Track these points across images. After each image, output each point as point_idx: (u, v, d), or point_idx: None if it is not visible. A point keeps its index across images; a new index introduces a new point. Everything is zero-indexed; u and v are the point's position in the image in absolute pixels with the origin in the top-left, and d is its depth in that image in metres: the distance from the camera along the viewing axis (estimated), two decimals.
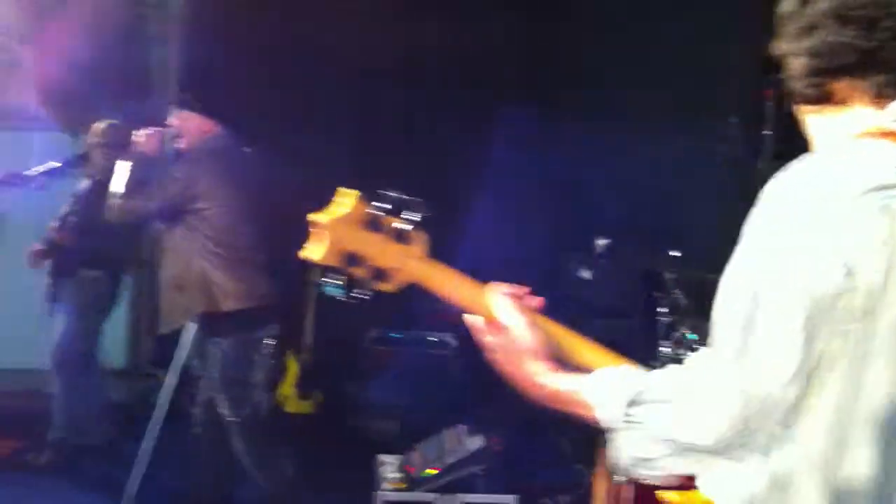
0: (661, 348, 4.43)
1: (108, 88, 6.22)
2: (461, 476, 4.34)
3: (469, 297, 1.68)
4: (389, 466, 4.55)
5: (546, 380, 1.61)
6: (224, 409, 4.12)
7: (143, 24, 6.53)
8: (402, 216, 1.64)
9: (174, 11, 6.63)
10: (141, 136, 4.30)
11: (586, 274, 5.57)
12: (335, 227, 1.59)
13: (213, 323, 4.11)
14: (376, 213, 1.62)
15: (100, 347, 5.60)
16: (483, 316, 1.68)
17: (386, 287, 1.66)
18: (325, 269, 1.62)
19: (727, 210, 5.75)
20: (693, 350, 4.25)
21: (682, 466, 1.48)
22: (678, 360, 4.19)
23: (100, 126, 5.47)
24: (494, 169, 6.11)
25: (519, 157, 6.12)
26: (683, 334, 4.40)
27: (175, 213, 4.13)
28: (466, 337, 5.49)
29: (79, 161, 5.91)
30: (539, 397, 1.63)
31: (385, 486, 4.40)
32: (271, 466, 4.23)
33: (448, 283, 1.68)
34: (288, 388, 5.62)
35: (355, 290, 1.63)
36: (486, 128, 6.21)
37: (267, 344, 4.21)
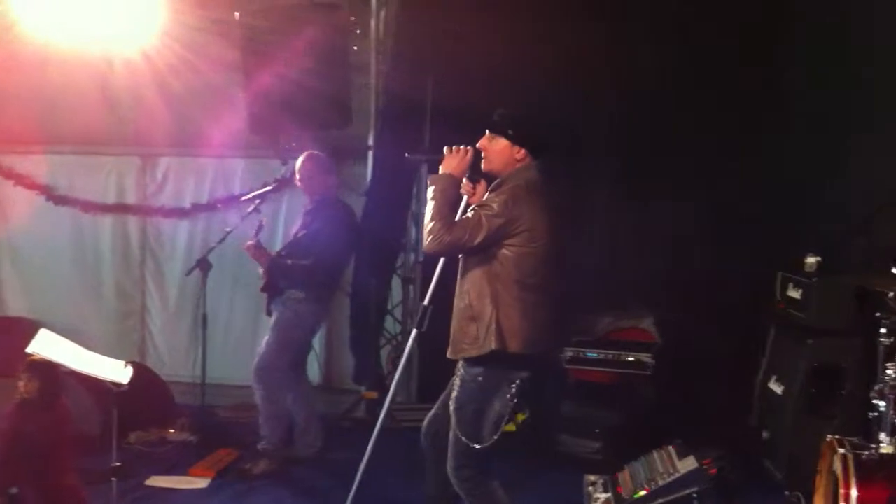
0: (884, 369, 4.20)
1: (313, 117, 6.50)
2: (675, 498, 4.25)
3: None
4: (597, 486, 4.51)
5: None
6: (452, 435, 3.98)
7: (349, 52, 6.74)
8: None
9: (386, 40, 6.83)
10: (448, 154, 4.04)
11: (796, 293, 5.37)
12: None
13: (485, 358, 3.91)
14: None
15: (305, 363, 5.83)
16: None
17: None
18: None
19: None
20: None
21: None
22: None
23: (307, 155, 5.71)
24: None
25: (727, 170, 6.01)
26: None
27: (489, 247, 3.88)
28: (663, 357, 5.39)
29: (287, 186, 6.19)
30: None
31: None
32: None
33: None
34: None
35: None
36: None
37: (519, 385, 3.96)
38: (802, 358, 5.11)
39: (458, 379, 4.01)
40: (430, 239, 3.88)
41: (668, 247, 6.17)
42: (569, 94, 5.92)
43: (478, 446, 3.93)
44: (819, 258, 5.35)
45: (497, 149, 4.02)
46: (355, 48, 6.80)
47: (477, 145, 4.05)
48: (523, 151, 4.00)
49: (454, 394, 4.00)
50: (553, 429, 5.63)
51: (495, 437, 3.96)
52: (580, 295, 5.91)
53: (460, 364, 4.00)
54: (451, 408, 3.98)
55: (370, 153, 6.88)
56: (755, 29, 6.08)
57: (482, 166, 4.06)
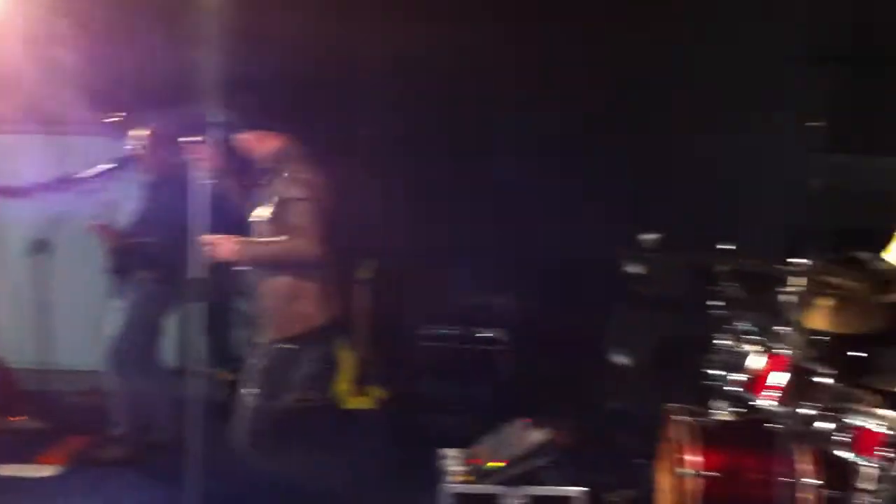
0: (716, 341, 4.47)
1: (152, 94, 6.32)
2: (527, 469, 4.40)
3: None
4: (454, 460, 4.62)
5: None
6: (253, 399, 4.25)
7: (189, 31, 6.57)
8: None
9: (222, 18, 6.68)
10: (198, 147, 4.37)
11: (639, 269, 5.62)
12: None
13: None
14: None
15: (158, 346, 5.70)
16: None
17: None
18: None
19: (780, 202, 5.84)
20: (752, 342, 4.31)
21: None
22: (738, 353, 4.26)
23: (145, 131, 5.56)
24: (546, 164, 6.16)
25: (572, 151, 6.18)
26: (741, 326, 4.45)
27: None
28: (522, 334, 5.59)
29: (129, 163, 6.01)
30: None
31: (450, 479, 4.47)
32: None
33: None
34: (344, 384, 5.70)
35: None
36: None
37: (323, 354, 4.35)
38: (646, 331, 5.39)
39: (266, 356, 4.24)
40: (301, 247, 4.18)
41: (521, 225, 6.33)
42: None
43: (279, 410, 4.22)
44: (659, 235, 5.62)
45: (255, 143, 4.35)
46: (198, 23, 6.62)
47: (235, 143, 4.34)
48: (281, 136, 4.32)
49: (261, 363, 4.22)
50: (411, 405, 5.72)
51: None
52: (436, 273, 6.01)
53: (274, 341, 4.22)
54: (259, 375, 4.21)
55: (213, 130, 6.72)
56: None
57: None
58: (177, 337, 7.06)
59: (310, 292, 4.27)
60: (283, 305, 4.26)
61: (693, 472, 4.00)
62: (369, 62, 5.91)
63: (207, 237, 4.22)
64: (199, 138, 4.31)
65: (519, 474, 4.41)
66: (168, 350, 6.72)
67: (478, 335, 5.90)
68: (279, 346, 4.27)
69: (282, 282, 4.27)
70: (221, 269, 6.64)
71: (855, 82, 5.77)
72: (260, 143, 4.33)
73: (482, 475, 4.45)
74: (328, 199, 4.28)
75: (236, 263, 4.29)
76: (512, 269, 6.06)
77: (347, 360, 5.76)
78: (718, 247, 4.64)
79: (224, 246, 4.22)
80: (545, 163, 6.07)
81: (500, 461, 4.47)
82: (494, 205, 6.13)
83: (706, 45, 6.04)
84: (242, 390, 4.32)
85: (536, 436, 4.55)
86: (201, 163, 4.31)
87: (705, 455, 4.04)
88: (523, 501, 4.35)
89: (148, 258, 5.38)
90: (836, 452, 3.88)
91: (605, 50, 5.92)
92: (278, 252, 4.21)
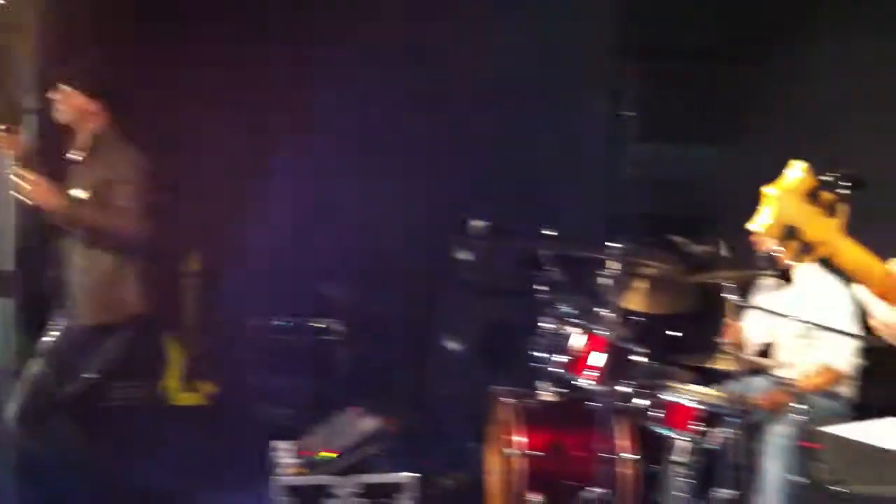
0: (540, 324, 4.61)
1: None
2: (358, 458, 4.42)
3: (870, 271, 1.69)
4: (285, 452, 4.58)
5: None
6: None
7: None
8: (837, 190, 1.63)
9: None
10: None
11: (467, 255, 5.73)
12: (783, 199, 1.58)
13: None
14: (821, 185, 1.61)
15: None
16: (879, 289, 1.70)
17: (806, 261, 1.64)
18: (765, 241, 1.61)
19: (600, 190, 6.04)
20: (574, 324, 4.47)
21: None
22: (561, 336, 4.40)
23: None
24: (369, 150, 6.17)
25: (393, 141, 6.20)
26: (562, 309, 4.60)
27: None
28: (353, 323, 5.57)
29: None
30: None
31: (282, 471, 4.44)
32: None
33: (855, 258, 1.67)
34: (173, 380, 5.55)
35: (778, 264, 1.65)
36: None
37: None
38: (474, 316, 5.51)
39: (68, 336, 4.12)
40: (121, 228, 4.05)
41: (352, 211, 6.32)
42: None
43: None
44: (488, 222, 5.74)
45: (71, 102, 4.16)
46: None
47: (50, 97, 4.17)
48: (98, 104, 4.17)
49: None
50: (242, 399, 5.63)
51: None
52: (267, 264, 5.92)
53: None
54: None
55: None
56: None
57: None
58: None
59: (130, 278, 4.15)
60: (99, 288, 4.11)
61: (518, 451, 4.13)
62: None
63: (30, 176, 3.99)
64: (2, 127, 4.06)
65: (351, 463, 4.41)
66: None
67: (310, 325, 5.86)
68: (85, 328, 4.12)
69: (102, 262, 4.12)
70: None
71: (668, 73, 6.04)
72: (85, 115, 4.13)
73: (314, 466, 4.44)
74: (153, 184, 4.15)
75: (53, 217, 4.07)
76: (342, 258, 6.03)
77: (176, 355, 5.61)
78: (542, 233, 4.76)
79: (42, 190, 3.99)
80: (372, 150, 6.07)
81: (332, 451, 4.46)
82: (321, 192, 6.09)
83: (524, 36, 6.18)
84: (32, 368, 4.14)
85: (368, 424, 4.56)
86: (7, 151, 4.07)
87: (529, 435, 4.17)
88: (355, 490, 4.36)
89: None
90: (652, 428, 4.09)
91: (420, 40, 5.97)
92: (99, 221, 4.05)
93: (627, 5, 6.14)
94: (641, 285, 4.75)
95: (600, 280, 4.49)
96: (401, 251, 6.05)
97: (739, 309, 4.56)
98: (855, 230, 1.72)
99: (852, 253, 1.59)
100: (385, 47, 5.93)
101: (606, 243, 4.53)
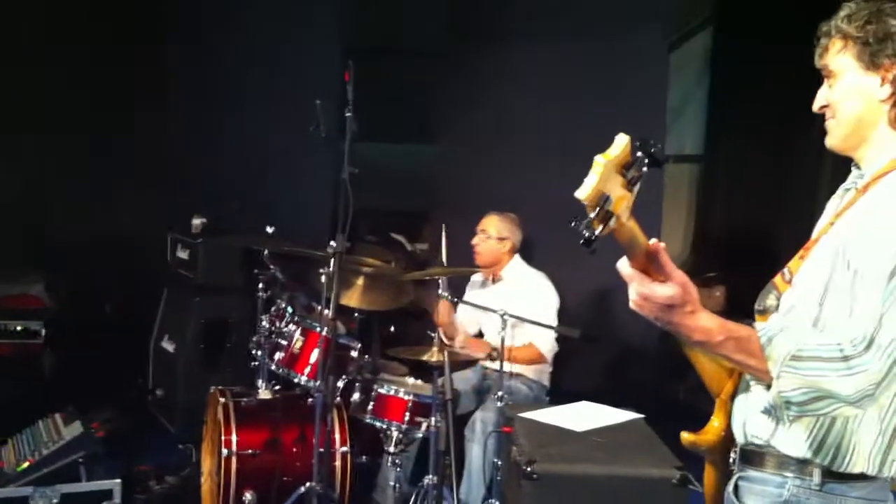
0: (261, 322, 4.57)
1: None
2: (60, 466, 4.16)
3: (642, 251, 1.74)
4: None
5: (719, 326, 1.84)
6: None
7: None
8: (641, 167, 1.64)
9: None
10: None
11: (184, 253, 5.59)
12: (606, 167, 1.55)
13: None
14: (632, 160, 1.62)
15: None
16: (645, 269, 1.76)
17: (599, 233, 1.60)
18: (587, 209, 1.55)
19: (321, 188, 6.08)
20: (292, 322, 4.45)
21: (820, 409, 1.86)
22: (280, 333, 4.37)
23: None
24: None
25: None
26: (281, 307, 4.58)
27: None
28: (55, 325, 5.26)
29: None
30: (702, 342, 1.85)
31: None
32: None
33: (633, 238, 1.72)
34: None
35: (587, 231, 1.57)
36: None
37: None
38: (192, 315, 5.37)
39: None
40: None
41: (64, 206, 6.01)
42: None
43: None
44: (205, 219, 5.62)
45: None
46: None
47: None
48: None
49: None
50: None
51: None
52: None
53: None
54: None
55: None
56: None
57: None
58: None
59: None
60: None
61: (232, 450, 4.06)
62: None
63: None
64: None
65: (51, 472, 4.15)
66: None
67: (13, 328, 5.47)
68: None
69: None
70: None
71: (387, 73, 6.19)
72: None
73: (11, 477, 4.13)
74: None
75: None
76: (49, 254, 5.72)
77: None
78: (263, 231, 4.72)
79: None
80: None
81: (30, 460, 4.18)
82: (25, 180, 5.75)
83: (251, 36, 6.16)
84: None
85: (71, 430, 4.31)
86: None
87: (244, 433, 4.11)
88: (55, 500, 4.11)
89: None
90: (367, 420, 4.16)
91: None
92: None
93: (349, 8, 6.27)
94: (360, 282, 4.81)
95: (319, 277, 4.51)
96: (118, 249, 5.82)
97: (453, 304, 4.76)
98: None
99: (635, 230, 1.73)
100: None
101: (328, 241, 4.56)
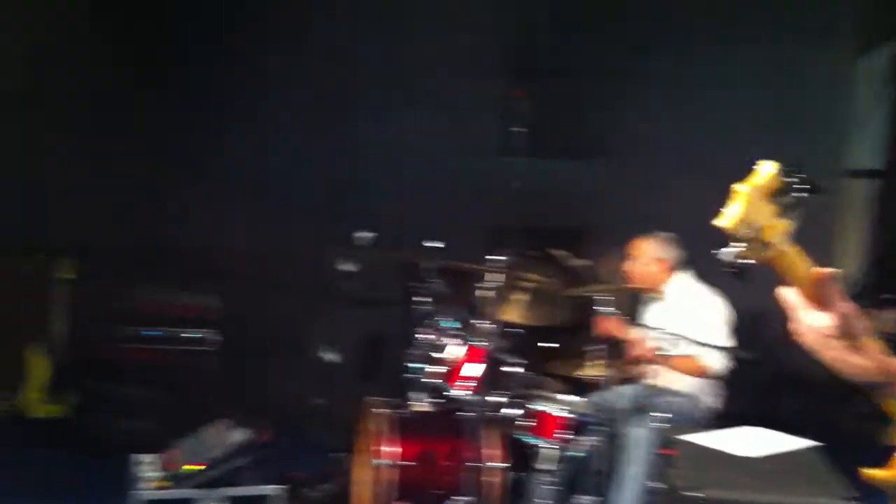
0: (418, 335, 4.57)
1: None
2: (225, 470, 4.29)
3: (805, 278, 1.67)
4: (148, 465, 4.42)
5: (878, 366, 1.71)
6: None
7: None
8: (797, 193, 1.62)
9: None
10: None
11: (349, 266, 5.66)
12: (752, 196, 1.57)
13: None
14: (785, 187, 1.59)
15: None
16: (809, 296, 1.67)
17: (749, 262, 1.62)
18: (730, 238, 1.57)
19: (483, 204, 6.07)
20: (450, 335, 4.44)
21: None
22: (437, 347, 4.37)
23: None
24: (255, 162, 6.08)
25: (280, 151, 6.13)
26: (440, 321, 4.57)
27: None
28: (225, 333, 5.44)
29: None
30: (865, 375, 1.71)
31: (143, 485, 4.28)
32: None
33: (794, 265, 1.65)
34: (33, 392, 5.32)
35: (739, 262, 1.59)
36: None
37: None
38: (351, 327, 5.44)
39: None
40: None
41: (233, 222, 6.21)
42: None
43: None
44: (369, 234, 5.69)
45: None
46: None
47: None
48: None
49: None
50: (105, 412, 5.42)
51: None
52: (144, 272, 5.76)
53: None
54: None
55: None
56: None
57: None
58: None
59: None
60: None
61: (388, 461, 4.06)
62: None
63: None
64: None
65: (217, 476, 4.28)
66: None
67: (182, 335, 5.69)
68: None
69: None
70: None
71: (551, 91, 6.12)
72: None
73: (178, 479, 4.29)
74: None
75: None
76: (219, 268, 5.91)
77: (38, 367, 5.38)
78: (424, 245, 4.74)
79: None
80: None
81: (198, 464, 4.32)
82: (190, 201, 5.98)
83: (416, 50, 6.21)
84: None
85: (236, 436, 4.44)
86: None
87: (400, 445, 4.11)
88: (221, 503, 4.23)
89: None
90: (521, 436, 4.09)
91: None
92: None
93: (517, 25, 6.23)
94: (520, 298, 4.76)
95: (480, 292, 4.49)
96: (280, 261, 5.97)
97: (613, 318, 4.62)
98: None
99: (794, 257, 1.62)
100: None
101: (487, 256, 4.54)
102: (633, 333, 4.64)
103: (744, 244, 1.56)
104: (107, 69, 5.80)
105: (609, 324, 4.52)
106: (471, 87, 6.15)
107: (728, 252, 1.56)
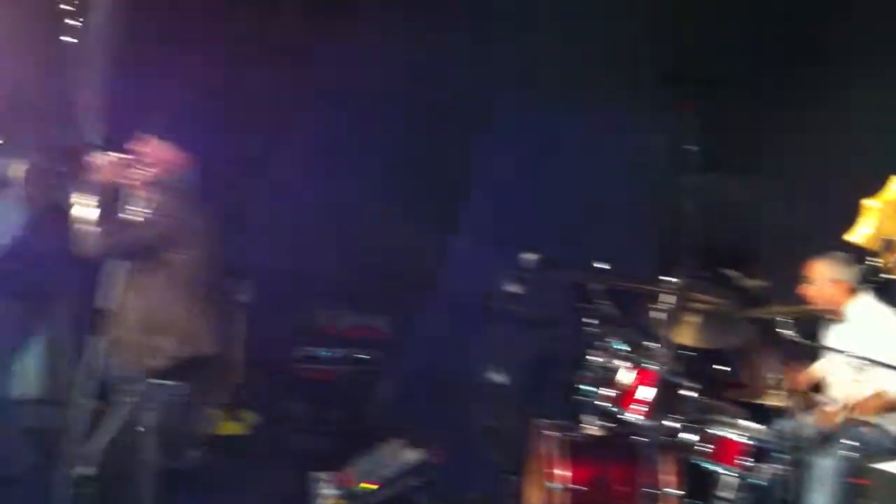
0: (589, 357, 4.52)
1: (30, 116, 6.15)
2: (399, 489, 4.36)
3: None
4: (325, 483, 4.54)
5: None
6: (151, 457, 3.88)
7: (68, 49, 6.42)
8: None
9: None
10: (105, 161, 3.98)
11: (517, 288, 5.67)
12: (884, 211, 1.62)
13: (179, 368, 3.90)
14: None
15: (8, 376, 5.46)
16: None
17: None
18: (866, 253, 1.61)
19: (652, 222, 5.95)
20: (622, 358, 4.37)
21: None
22: (609, 369, 4.31)
23: (25, 165, 5.36)
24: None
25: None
26: (612, 343, 4.51)
27: (155, 250, 3.90)
28: (395, 354, 5.53)
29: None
30: None
31: (321, 501, 4.39)
32: None
33: None
34: (216, 410, 5.55)
35: (880, 275, 1.63)
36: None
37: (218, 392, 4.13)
38: (520, 348, 5.43)
39: (151, 397, 3.87)
40: (93, 237, 3.84)
41: (398, 246, 6.33)
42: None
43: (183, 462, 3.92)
44: (538, 254, 5.68)
45: (159, 153, 4.06)
46: (76, 42, 6.49)
47: (136, 149, 4.06)
48: (185, 156, 4.08)
49: (151, 415, 3.85)
50: (283, 428, 5.62)
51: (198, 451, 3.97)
52: (316, 294, 5.94)
53: (145, 380, 3.88)
54: (149, 430, 3.86)
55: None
56: None
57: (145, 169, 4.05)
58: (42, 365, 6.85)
59: (186, 319, 3.95)
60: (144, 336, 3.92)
61: (561, 485, 4.02)
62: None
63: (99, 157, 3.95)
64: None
65: (391, 495, 4.36)
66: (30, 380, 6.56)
67: (353, 356, 5.84)
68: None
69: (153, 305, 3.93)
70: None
71: (723, 104, 5.94)
72: (160, 155, 4.07)
73: (354, 498, 4.38)
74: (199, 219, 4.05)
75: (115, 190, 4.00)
76: (386, 290, 6.03)
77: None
78: (593, 266, 4.69)
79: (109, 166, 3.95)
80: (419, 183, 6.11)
81: (373, 483, 4.41)
82: (363, 224, 6.11)
83: (584, 67, 6.16)
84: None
85: (410, 456, 4.51)
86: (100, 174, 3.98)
87: (573, 468, 4.06)
88: None
89: (15, 287, 5.17)
90: (699, 462, 3.97)
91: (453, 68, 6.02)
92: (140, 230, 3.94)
93: (685, 37, 6.10)
94: (693, 320, 4.64)
95: (652, 314, 4.40)
96: (449, 283, 6.03)
97: (794, 345, 4.42)
98: None
99: None
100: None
101: (661, 277, 4.45)
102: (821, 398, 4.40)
103: (880, 260, 1.47)
104: None
105: (801, 377, 4.31)
106: (640, 104, 6.04)
107: (867, 267, 1.49)
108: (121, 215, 3.96)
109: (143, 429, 3.85)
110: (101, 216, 3.85)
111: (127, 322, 3.93)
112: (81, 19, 6.42)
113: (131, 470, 3.89)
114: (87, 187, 3.92)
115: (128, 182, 4.02)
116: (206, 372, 4.03)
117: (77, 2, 6.34)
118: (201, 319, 3.94)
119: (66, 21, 6.31)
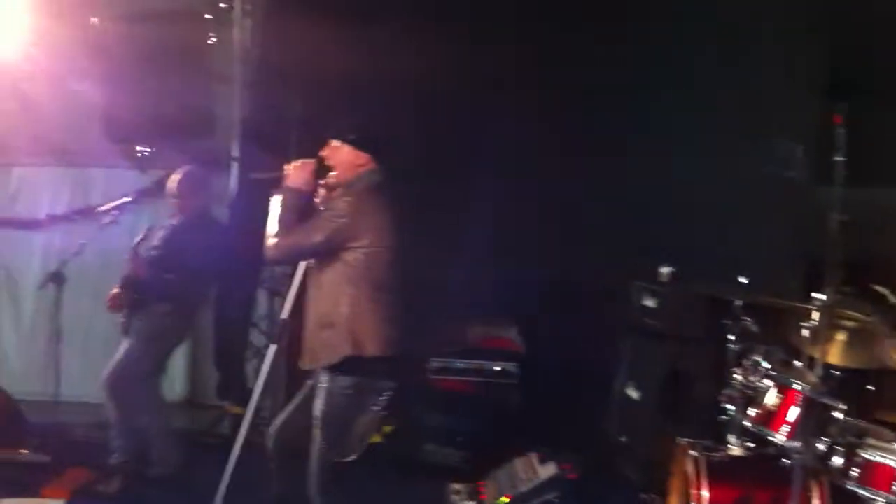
0: (733, 375, 4.40)
1: (174, 126, 6.39)
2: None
3: None
4: (461, 495, 4.56)
5: None
6: (317, 449, 3.96)
7: (209, 62, 6.65)
8: None
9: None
10: (291, 169, 4.08)
11: (651, 302, 5.58)
12: None
13: (344, 365, 3.96)
14: None
15: (161, 378, 5.67)
16: None
17: None
18: None
19: (795, 237, 5.75)
20: (768, 376, 4.24)
21: None
22: (754, 388, 4.18)
23: (178, 175, 5.57)
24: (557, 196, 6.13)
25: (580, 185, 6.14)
26: (755, 361, 4.38)
27: (334, 251, 3.96)
28: (529, 366, 5.48)
29: (147, 195, 6.03)
30: None
31: None
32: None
33: None
34: None
35: None
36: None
37: (384, 395, 4.06)
38: (657, 364, 5.32)
39: (322, 391, 3.98)
40: (269, 244, 3.95)
41: (531, 257, 6.30)
42: (425, 101, 5.97)
43: (345, 460, 3.94)
44: (673, 268, 5.57)
45: (340, 156, 4.10)
46: (217, 56, 6.72)
47: (320, 154, 4.12)
48: (365, 156, 4.09)
49: (320, 407, 3.96)
50: (418, 439, 5.65)
51: (362, 450, 3.99)
52: (449, 303, 5.97)
53: (323, 375, 3.99)
54: (317, 422, 3.95)
55: (234, 164, 6.81)
56: None
57: (329, 174, 4.13)
58: (186, 370, 7.11)
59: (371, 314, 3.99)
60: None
61: None
62: None
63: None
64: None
65: None
66: (177, 382, 6.80)
67: (488, 367, 5.84)
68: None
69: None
70: (234, 300, 6.71)
71: (870, 115, 5.71)
72: (344, 160, 4.13)
73: None
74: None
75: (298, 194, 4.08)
76: (523, 302, 6.00)
77: None
78: (734, 280, 4.57)
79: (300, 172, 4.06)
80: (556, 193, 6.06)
81: (507, 496, 4.40)
82: (501, 234, 6.10)
83: (723, 77, 6.03)
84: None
85: (545, 470, 4.48)
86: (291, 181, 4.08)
87: (717, 490, 3.95)
88: None
89: (165, 293, 5.37)
90: (850, 487, 3.80)
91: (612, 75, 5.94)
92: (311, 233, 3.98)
93: (828, 45, 5.90)
94: (841, 337, 4.46)
95: (797, 331, 4.25)
96: (583, 297, 5.97)
97: None
98: None
99: None
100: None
101: (804, 292, 4.30)
102: None
103: None
104: None
105: None
106: (785, 114, 5.87)
107: None
108: (304, 221, 4.04)
109: (315, 420, 3.94)
110: (287, 222, 3.96)
111: (307, 317, 4.07)
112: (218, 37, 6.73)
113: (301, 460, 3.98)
114: (283, 194, 4.03)
115: (313, 187, 4.12)
116: (375, 373, 4.02)
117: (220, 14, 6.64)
118: (368, 319, 3.95)
119: (209, 38, 6.60)
